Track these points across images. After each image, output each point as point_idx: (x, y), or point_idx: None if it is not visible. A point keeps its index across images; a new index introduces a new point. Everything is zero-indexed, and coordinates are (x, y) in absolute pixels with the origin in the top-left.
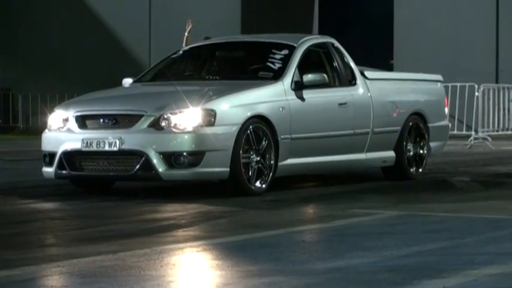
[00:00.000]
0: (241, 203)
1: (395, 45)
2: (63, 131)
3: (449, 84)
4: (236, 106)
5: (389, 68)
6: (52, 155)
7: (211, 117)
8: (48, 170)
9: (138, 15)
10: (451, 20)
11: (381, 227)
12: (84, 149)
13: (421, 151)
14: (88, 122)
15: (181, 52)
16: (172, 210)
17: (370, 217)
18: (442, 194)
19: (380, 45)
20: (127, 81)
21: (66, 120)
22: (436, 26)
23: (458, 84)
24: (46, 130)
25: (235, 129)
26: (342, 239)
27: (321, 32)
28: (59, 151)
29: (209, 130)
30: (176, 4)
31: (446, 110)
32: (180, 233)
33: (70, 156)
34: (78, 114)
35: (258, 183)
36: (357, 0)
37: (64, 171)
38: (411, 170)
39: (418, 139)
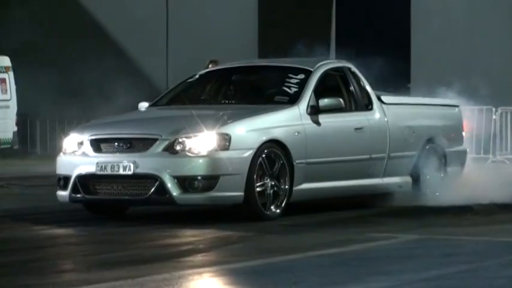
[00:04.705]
0: (258, 227)
1: (412, 69)
2: (77, 154)
3: (467, 107)
4: (251, 130)
5: (407, 91)
6: (66, 179)
7: (226, 142)
8: (63, 194)
9: (156, 40)
10: (468, 43)
11: (400, 250)
12: (98, 172)
13: (439, 175)
14: (103, 146)
15: (197, 76)
16: (190, 235)
17: (389, 241)
18: (461, 218)
19: (398, 69)
20: (143, 105)
21: (81, 143)
22: (454, 49)
23: (476, 108)
24: (61, 154)
25: (250, 153)
26: (361, 263)
27: (338, 56)
28: (74, 175)
29: (224, 154)
30: (193, 31)
31: (464, 134)
32: (199, 258)
33: (84, 180)
34: (93, 137)
35: (272, 208)
36: (374, 23)
37: (78, 195)
38: (427, 194)
39: (436, 164)
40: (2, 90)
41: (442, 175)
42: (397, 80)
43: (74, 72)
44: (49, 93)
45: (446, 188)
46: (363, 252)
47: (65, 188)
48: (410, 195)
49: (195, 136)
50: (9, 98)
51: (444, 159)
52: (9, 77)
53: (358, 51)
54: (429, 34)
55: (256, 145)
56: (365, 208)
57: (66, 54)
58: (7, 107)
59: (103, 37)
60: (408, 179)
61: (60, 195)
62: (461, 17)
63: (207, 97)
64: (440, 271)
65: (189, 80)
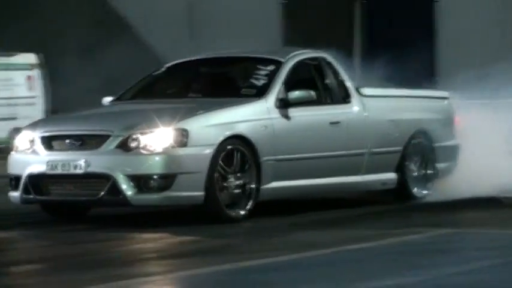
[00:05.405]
0: (281, 221)
1: (439, 63)
2: (29, 153)
3: (499, 101)
4: (212, 125)
5: (434, 86)
6: (18, 179)
7: (183, 138)
8: (14, 195)
9: (179, 33)
10: (497, 35)
11: (434, 244)
12: (49, 172)
13: (427, 172)
14: (54, 143)
15: (164, 69)
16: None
17: (423, 235)
18: (491, 212)
19: (424, 63)
20: (106, 100)
21: (32, 141)
22: (480, 43)
23: (508, 101)
24: (12, 152)
25: (210, 150)
26: (396, 257)
27: (364, 51)
28: (24, 174)
29: (181, 151)
30: (217, 25)
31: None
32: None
33: (36, 180)
34: (44, 135)
35: (237, 209)
36: (399, 18)
37: (30, 196)
38: (415, 192)
39: (423, 159)
40: (28, 87)
41: (430, 172)
42: (424, 74)
43: (104, 69)
44: (79, 88)
45: (435, 185)
46: (397, 246)
47: (16, 188)
48: (396, 193)
49: (150, 132)
50: (35, 95)
51: (433, 155)
52: (36, 74)
53: (384, 46)
54: (455, 30)
55: (218, 141)
56: (394, 203)
57: (98, 51)
58: (33, 104)
59: (125, 31)
60: (393, 176)
61: (12, 196)
62: (488, 8)
63: (173, 90)
64: (474, 265)
65: (155, 73)
